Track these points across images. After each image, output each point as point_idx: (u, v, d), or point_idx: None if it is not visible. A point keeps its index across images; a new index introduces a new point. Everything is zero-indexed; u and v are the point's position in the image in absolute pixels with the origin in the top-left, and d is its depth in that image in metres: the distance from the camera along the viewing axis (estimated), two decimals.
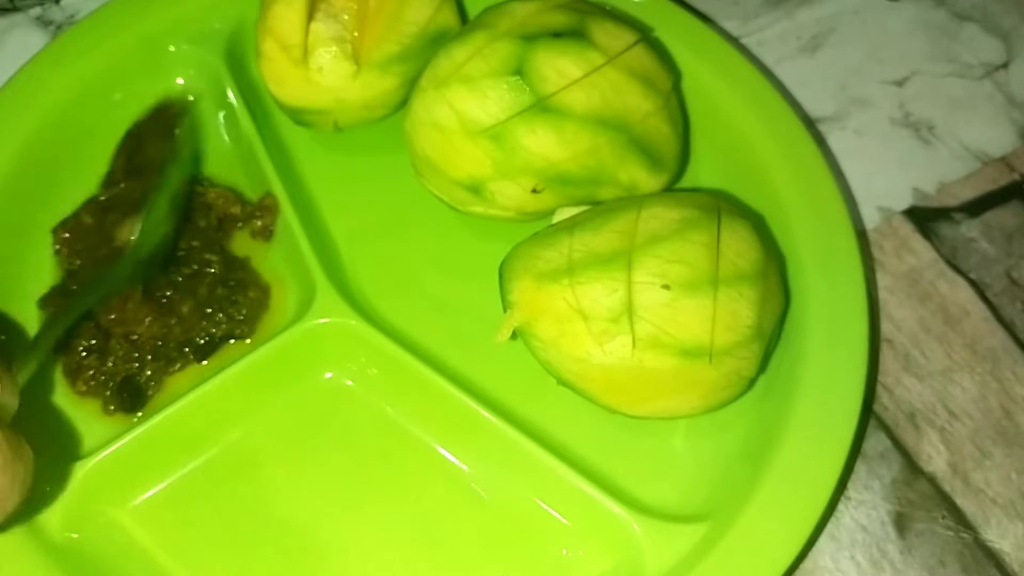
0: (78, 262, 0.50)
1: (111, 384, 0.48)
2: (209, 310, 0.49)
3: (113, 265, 0.47)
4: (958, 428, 0.51)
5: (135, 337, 0.48)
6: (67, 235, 0.51)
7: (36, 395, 0.48)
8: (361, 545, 0.45)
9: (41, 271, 0.51)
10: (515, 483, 0.46)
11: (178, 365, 0.49)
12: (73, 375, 0.48)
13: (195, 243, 0.51)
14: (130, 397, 0.47)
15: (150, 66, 0.56)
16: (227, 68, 0.55)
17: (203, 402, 0.46)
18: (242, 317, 0.50)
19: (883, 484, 0.49)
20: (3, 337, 0.48)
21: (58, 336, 0.44)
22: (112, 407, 0.47)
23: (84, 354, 0.48)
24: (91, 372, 0.48)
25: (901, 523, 0.48)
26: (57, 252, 0.51)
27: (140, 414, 0.47)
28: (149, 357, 0.48)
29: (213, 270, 0.50)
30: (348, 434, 0.48)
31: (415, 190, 0.53)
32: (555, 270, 0.44)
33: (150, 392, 0.48)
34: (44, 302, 0.49)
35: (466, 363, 0.49)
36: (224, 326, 0.49)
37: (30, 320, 0.49)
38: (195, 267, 0.50)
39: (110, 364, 0.48)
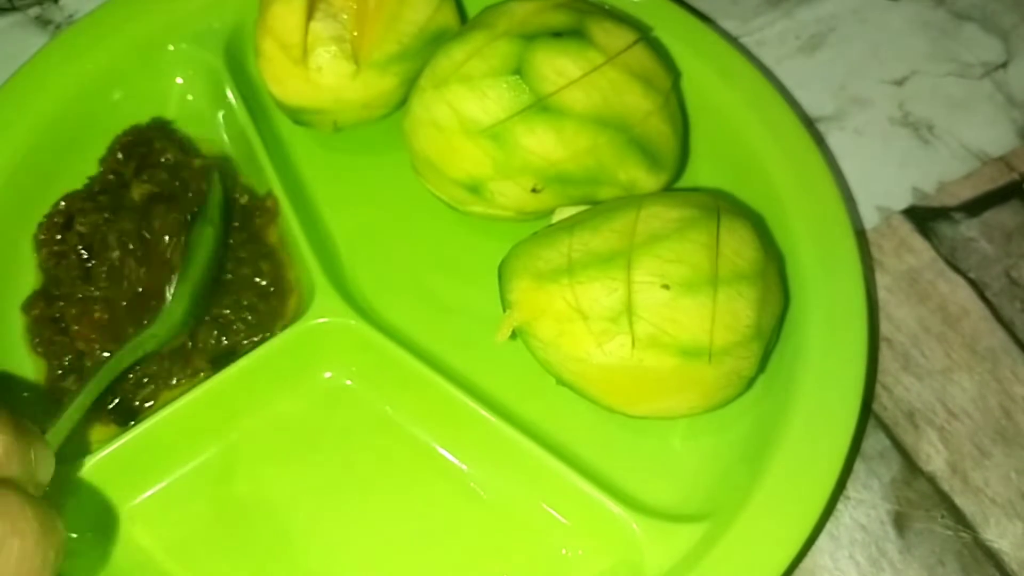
0: (57, 264, 0.49)
1: (97, 402, 0.46)
2: (231, 318, 0.49)
3: (147, 327, 0.47)
4: (957, 427, 0.51)
5: (108, 354, 0.47)
6: (43, 237, 0.50)
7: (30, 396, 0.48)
8: (361, 544, 0.45)
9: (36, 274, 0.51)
10: (514, 483, 0.46)
11: (189, 372, 0.48)
12: (56, 395, 0.47)
13: (242, 255, 0.50)
14: (122, 417, 0.47)
15: (149, 66, 0.55)
16: (226, 68, 0.55)
17: (203, 402, 0.46)
18: (256, 321, 0.50)
19: (882, 483, 0.49)
20: (26, 394, 0.47)
21: (92, 399, 0.43)
22: (103, 421, 0.47)
23: (60, 374, 0.47)
24: (74, 391, 0.47)
25: (900, 522, 0.48)
26: (38, 253, 0.51)
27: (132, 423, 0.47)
28: (157, 367, 0.48)
29: (264, 282, 0.50)
30: (348, 434, 0.48)
31: (414, 190, 0.53)
32: (555, 270, 0.44)
33: (144, 407, 0.47)
34: (27, 306, 0.49)
35: (465, 363, 0.49)
36: (242, 333, 0.49)
37: (14, 326, 0.49)
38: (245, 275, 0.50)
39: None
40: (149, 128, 0.54)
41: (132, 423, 0.46)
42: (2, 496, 0.31)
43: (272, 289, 0.50)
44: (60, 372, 0.47)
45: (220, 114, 0.56)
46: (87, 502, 0.44)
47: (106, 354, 0.47)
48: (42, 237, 0.50)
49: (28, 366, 0.49)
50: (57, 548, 0.32)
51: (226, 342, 0.49)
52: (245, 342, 0.49)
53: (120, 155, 0.52)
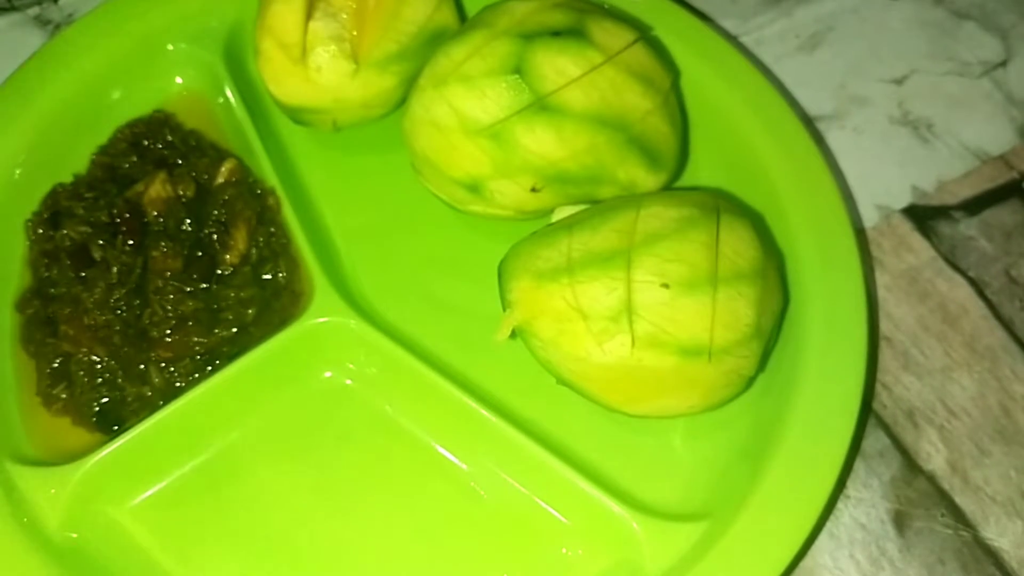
0: (48, 266, 0.49)
1: (84, 410, 0.46)
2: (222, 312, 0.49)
3: None
4: (957, 426, 0.51)
5: (96, 358, 0.47)
6: (32, 238, 0.50)
7: (29, 395, 0.48)
8: (360, 544, 0.45)
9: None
10: (514, 482, 0.46)
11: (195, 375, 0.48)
12: (46, 401, 0.47)
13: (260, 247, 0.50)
14: (109, 425, 0.47)
15: (148, 65, 0.56)
16: (225, 67, 0.55)
17: (202, 402, 0.46)
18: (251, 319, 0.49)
19: (882, 482, 0.49)
20: None
21: None
22: (88, 429, 0.47)
23: (50, 383, 0.47)
24: (63, 400, 0.47)
25: (900, 521, 0.48)
26: (30, 249, 0.50)
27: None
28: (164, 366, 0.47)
29: (282, 274, 0.50)
30: (347, 433, 0.48)
31: (414, 189, 0.53)
32: (554, 269, 0.44)
33: (131, 414, 0.47)
34: (20, 305, 0.49)
35: (465, 362, 0.49)
36: (235, 329, 0.48)
37: (6, 324, 0.49)
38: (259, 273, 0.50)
39: (79, 393, 0.47)
40: (155, 120, 0.54)
41: (116, 428, 0.46)
42: None
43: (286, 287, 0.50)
44: (49, 375, 0.47)
45: (220, 114, 0.56)
46: (87, 502, 0.44)
47: (94, 357, 0.47)
48: (32, 238, 0.50)
49: (19, 366, 0.48)
50: None
51: (226, 333, 0.48)
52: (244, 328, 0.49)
53: (124, 145, 0.52)
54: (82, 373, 0.47)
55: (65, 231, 0.49)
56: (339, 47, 0.50)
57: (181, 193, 0.50)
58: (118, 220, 0.49)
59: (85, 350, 0.47)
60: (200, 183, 0.51)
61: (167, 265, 0.48)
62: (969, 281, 0.55)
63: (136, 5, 0.55)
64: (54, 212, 0.50)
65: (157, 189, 0.49)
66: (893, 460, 0.50)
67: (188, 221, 0.49)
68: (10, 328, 0.49)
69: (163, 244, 0.48)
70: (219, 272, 0.49)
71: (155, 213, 0.49)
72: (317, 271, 0.49)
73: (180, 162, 0.52)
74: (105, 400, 0.47)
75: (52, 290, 0.48)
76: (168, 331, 0.47)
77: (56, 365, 0.47)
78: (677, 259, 0.43)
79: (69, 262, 0.48)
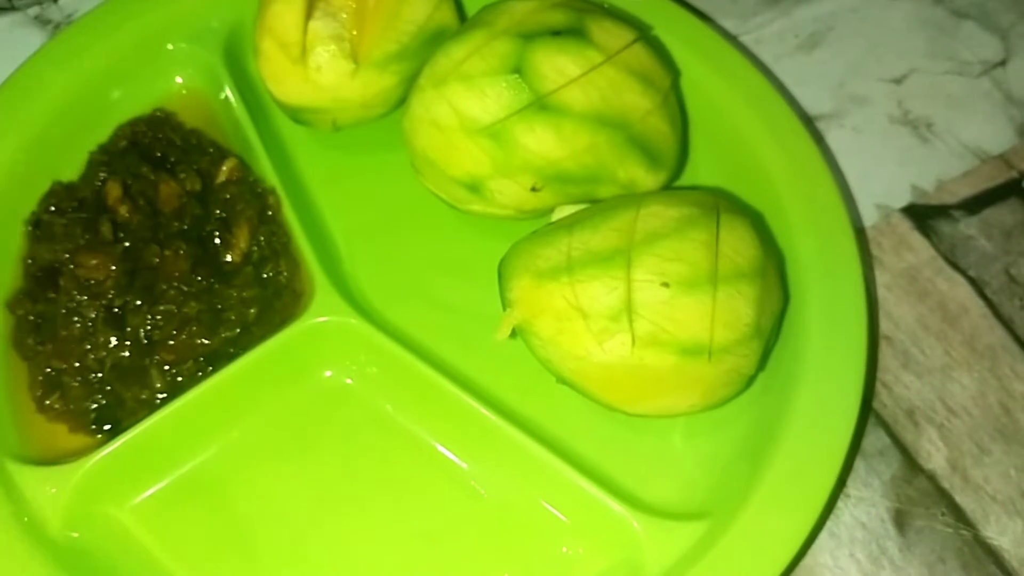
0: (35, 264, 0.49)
1: (81, 418, 0.46)
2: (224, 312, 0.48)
3: None
4: (957, 425, 0.51)
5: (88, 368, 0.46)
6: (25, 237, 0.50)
7: (25, 397, 0.47)
8: (361, 543, 0.45)
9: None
10: (515, 481, 0.46)
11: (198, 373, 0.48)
12: (40, 408, 0.47)
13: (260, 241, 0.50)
14: (106, 425, 0.47)
15: (148, 65, 0.56)
16: (225, 67, 0.55)
17: (203, 401, 0.46)
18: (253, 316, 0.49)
19: (882, 481, 0.49)
20: None
21: None
22: (88, 433, 0.46)
23: (42, 393, 0.46)
24: (57, 410, 0.46)
25: (900, 520, 0.48)
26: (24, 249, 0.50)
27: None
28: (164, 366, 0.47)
29: (283, 274, 0.50)
30: (348, 433, 0.48)
31: (414, 188, 0.53)
32: (554, 268, 0.44)
33: (130, 415, 0.46)
34: (12, 305, 0.49)
35: (466, 361, 0.49)
36: (238, 330, 0.48)
37: (1, 323, 0.49)
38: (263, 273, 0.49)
39: (72, 404, 0.46)
40: (155, 119, 0.54)
41: (109, 427, 0.46)
42: None
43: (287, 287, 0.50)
44: (41, 383, 0.46)
45: (219, 113, 0.56)
46: (87, 502, 0.44)
47: (91, 361, 0.46)
48: (24, 239, 0.50)
49: (12, 367, 0.48)
50: None
51: (230, 334, 0.48)
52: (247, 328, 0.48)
53: (124, 144, 0.52)
54: (76, 384, 0.46)
55: (31, 259, 0.49)
56: (339, 47, 0.50)
57: (188, 188, 0.50)
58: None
59: (76, 363, 0.46)
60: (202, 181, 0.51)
61: (177, 267, 0.48)
62: (969, 280, 0.55)
63: (136, 5, 0.55)
64: (36, 221, 0.50)
65: (171, 186, 0.49)
66: (893, 459, 0.50)
67: (192, 218, 0.49)
68: (3, 328, 0.49)
69: (179, 248, 0.48)
70: (222, 271, 0.49)
71: (168, 211, 0.49)
72: (317, 270, 0.49)
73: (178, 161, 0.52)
74: (103, 403, 0.46)
75: (44, 294, 0.48)
76: (172, 333, 0.47)
77: (49, 371, 0.47)
78: (677, 258, 0.43)
79: (36, 285, 0.48)
